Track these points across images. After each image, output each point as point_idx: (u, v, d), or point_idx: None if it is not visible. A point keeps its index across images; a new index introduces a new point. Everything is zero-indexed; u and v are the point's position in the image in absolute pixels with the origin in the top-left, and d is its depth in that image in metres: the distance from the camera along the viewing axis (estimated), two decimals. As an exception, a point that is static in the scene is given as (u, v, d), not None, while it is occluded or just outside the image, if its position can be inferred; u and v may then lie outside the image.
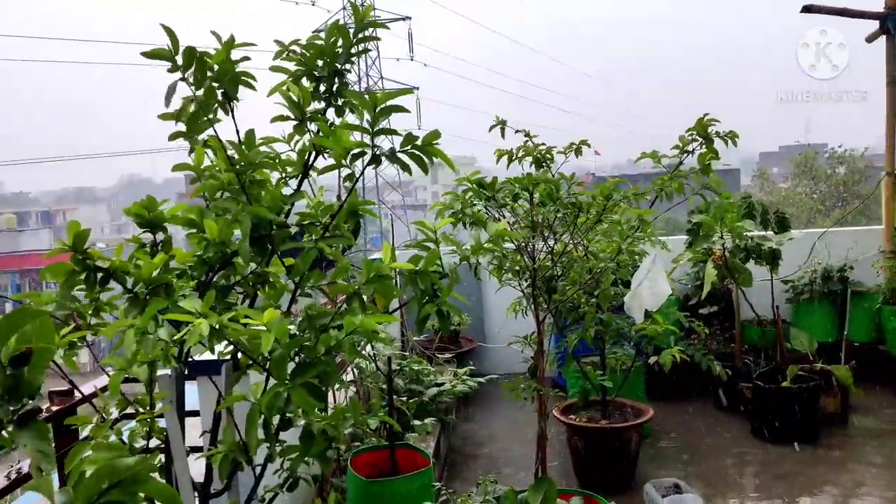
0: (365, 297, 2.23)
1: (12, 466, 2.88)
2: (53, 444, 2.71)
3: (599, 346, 4.77)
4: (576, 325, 4.75)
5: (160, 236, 2.64)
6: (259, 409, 1.98)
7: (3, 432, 1.23)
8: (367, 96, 2.24)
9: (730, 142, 4.37)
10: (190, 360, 2.76)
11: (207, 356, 3.04)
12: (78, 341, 2.61)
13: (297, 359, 2.06)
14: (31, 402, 1.24)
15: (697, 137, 4.27)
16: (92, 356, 2.83)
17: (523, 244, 3.68)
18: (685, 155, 4.31)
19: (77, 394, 2.88)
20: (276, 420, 2.15)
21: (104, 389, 2.84)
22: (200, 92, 2.38)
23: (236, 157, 2.38)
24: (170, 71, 2.32)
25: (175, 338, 1.94)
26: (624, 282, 4.82)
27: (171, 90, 2.34)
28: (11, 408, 1.20)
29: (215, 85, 2.45)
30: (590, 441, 4.63)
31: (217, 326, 1.91)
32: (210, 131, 2.43)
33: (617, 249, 3.83)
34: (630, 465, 4.72)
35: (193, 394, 3.04)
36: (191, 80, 2.35)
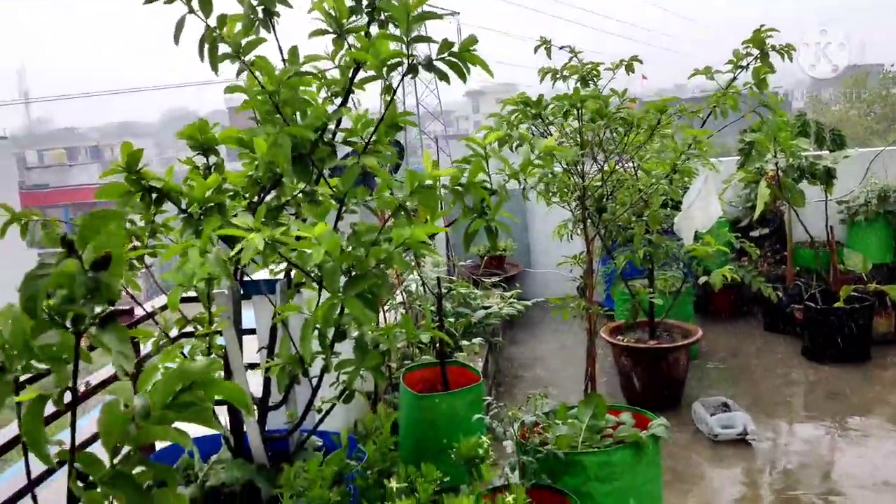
0: (410, 210, 2.23)
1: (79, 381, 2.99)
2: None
3: (648, 267, 4.74)
4: (624, 247, 4.72)
5: (213, 159, 2.67)
6: (313, 322, 2.01)
7: (86, 335, 1.27)
8: (398, 4, 2.21)
9: (783, 61, 4.24)
10: (245, 279, 2.82)
11: (262, 275, 3.09)
12: (136, 262, 2.68)
13: (350, 273, 2.08)
14: (110, 306, 1.28)
15: (752, 51, 4.14)
16: (150, 278, 2.90)
17: (573, 163, 3.63)
18: (739, 70, 4.18)
19: (138, 312, 2.97)
20: (330, 333, 2.19)
21: (163, 308, 2.92)
22: (212, 21, 2.38)
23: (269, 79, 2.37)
24: (167, 3, 2.33)
25: (231, 255, 1.96)
26: (673, 204, 4.75)
27: (180, 26, 2.34)
28: (95, 310, 1.24)
29: (254, 2, 2.44)
30: (637, 361, 4.64)
31: (270, 241, 1.92)
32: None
33: (671, 167, 3.76)
34: (678, 386, 4.73)
35: (249, 315, 3.11)
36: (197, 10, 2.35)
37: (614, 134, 3.71)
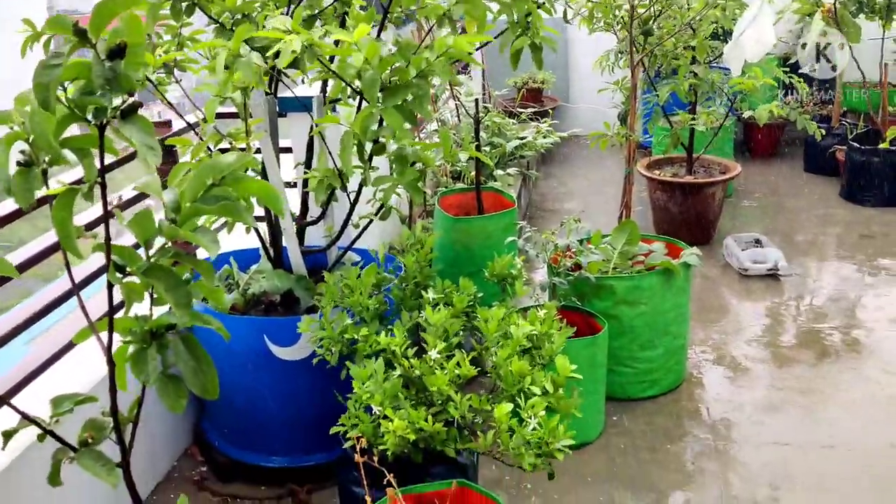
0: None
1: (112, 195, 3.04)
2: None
3: (691, 101, 4.60)
4: (667, 79, 4.57)
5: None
6: (353, 133, 2.00)
7: (109, 127, 1.25)
8: None
9: None
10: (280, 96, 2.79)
11: (297, 93, 3.06)
12: (166, 76, 2.64)
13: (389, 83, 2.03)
14: (130, 98, 1.25)
15: None
16: (184, 95, 2.87)
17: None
18: None
19: (177, 125, 2.97)
20: (368, 146, 2.18)
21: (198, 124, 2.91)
22: None
23: None
24: None
25: (268, 55, 1.91)
26: (722, 36, 4.55)
27: None
28: (114, 103, 1.21)
29: None
30: (672, 195, 4.61)
31: (308, 45, 1.87)
32: None
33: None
34: (711, 222, 4.71)
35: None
36: None
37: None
